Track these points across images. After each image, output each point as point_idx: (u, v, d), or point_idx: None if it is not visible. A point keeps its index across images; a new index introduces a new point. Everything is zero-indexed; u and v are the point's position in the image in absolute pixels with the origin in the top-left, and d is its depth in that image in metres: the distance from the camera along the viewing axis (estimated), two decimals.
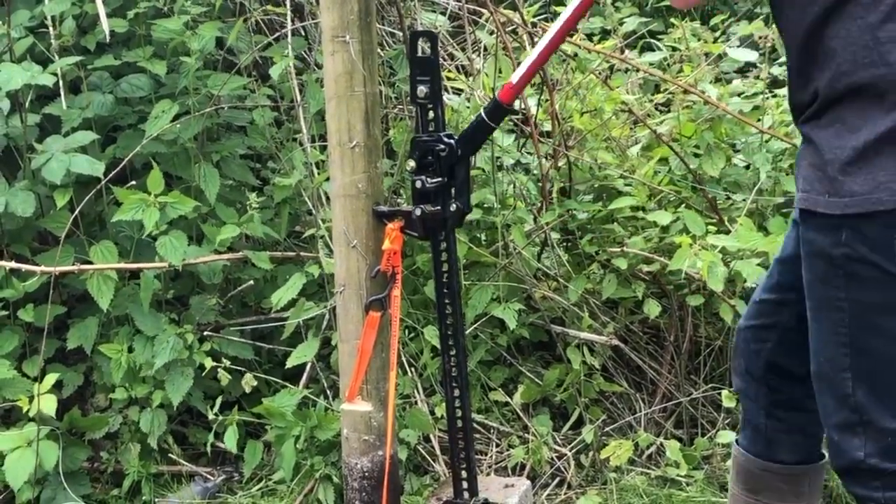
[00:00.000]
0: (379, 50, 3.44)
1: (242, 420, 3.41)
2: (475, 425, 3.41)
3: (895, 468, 1.98)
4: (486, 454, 3.46)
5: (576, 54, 3.75)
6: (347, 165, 2.38)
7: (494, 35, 3.57)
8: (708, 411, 3.61)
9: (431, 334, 3.29)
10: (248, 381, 3.37)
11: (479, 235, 3.66)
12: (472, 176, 3.47)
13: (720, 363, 3.72)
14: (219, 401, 3.37)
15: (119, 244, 3.47)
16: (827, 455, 2.10)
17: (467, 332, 3.42)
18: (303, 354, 3.36)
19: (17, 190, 3.43)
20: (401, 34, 3.73)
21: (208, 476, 3.51)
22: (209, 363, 3.37)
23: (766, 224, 3.48)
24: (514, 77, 2.34)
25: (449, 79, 3.76)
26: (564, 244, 3.81)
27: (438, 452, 3.39)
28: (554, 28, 2.28)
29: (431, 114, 2.39)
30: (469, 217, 3.44)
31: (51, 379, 3.24)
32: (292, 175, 3.46)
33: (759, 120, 3.66)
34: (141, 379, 3.44)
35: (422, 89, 2.38)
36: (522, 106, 3.67)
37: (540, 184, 3.72)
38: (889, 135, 1.87)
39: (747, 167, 3.76)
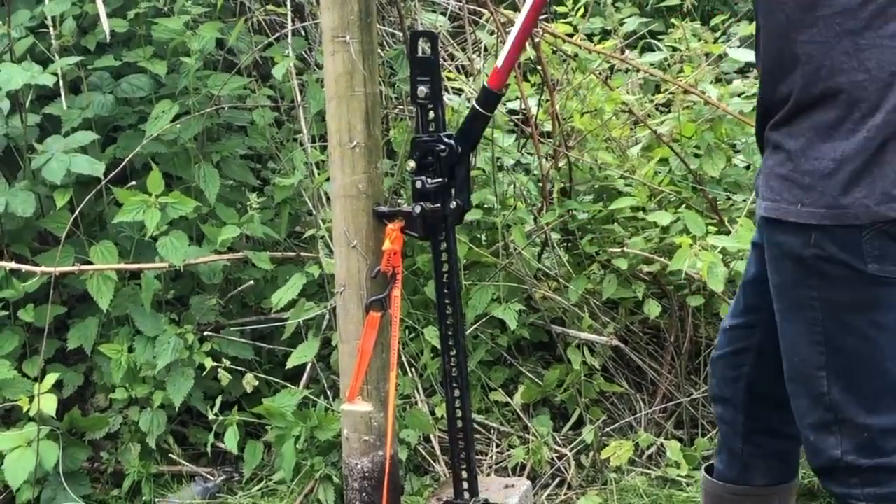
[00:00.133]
0: (379, 50, 3.44)
1: (243, 420, 3.41)
2: (475, 426, 3.41)
3: (872, 464, 1.99)
4: (486, 454, 3.46)
5: (576, 55, 3.75)
6: (348, 166, 2.38)
7: (495, 35, 3.57)
8: (708, 411, 3.61)
9: (432, 335, 3.29)
10: (249, 382, 3.37)
11: (479, 236, 3.66)
12: (472, 176, 3.47)
13: None
14: (219, 401, 3.37)
15: (119, 244, 3.47)
16: (806, 461, 2.11)
17: (467, 332, 3.41)
18: (303, 355, 3.36)
19: (18, 190, 3.43)
20: (401, 34, 3.73)
21: (208, 476, 3.51)
22: (209, 363, 3.37)
23: None
24: (499, 61, 2.34)
25: (449, 79, 3.76)
26: (565, 244, 3.81)
27: (439, 453, 3.39)
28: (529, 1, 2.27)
29: (432, 114, 2.39)
30: (469, 217, 3.46)
31: (51, 379, 3.24)
32: (293, 175, 3.45)
33: None
34: (141, 379, 3.43)
35: (422, 89, 2.38)
36: (523, 106, 3.67)
37: (540, 184, 3.72)
38: (866, 146, 1.88)
39: (748, 167, 3.76)
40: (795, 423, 2.16)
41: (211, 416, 3.36)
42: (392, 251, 2.40)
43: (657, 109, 4.06)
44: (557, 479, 3.41)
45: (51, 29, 3.51)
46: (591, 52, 3.77)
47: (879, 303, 1.94)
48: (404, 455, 3.26)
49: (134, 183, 3.45)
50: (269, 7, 3.70)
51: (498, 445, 3.49)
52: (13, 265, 3.36)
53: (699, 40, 3.99)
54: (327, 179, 2.76)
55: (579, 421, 3.58)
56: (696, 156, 3.67)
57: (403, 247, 2.45)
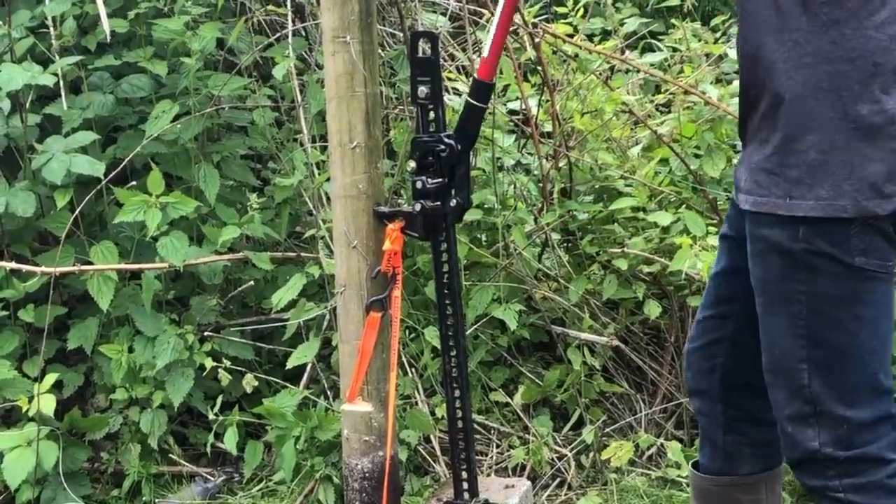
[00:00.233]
0: (380, 50, 3.44)
1: (243, 420, 3.41)
2: (475, 426, 3.41)
3: (849, 455, 2.01)
4: (486, 455, 3.46)
5: (576, 55, 3.75)
6: (348, 166, 2.38)
7: None
8: None
9: (432, 335, 3.29)
10: (249, 382, 3.37)
11: (479, 236, 3.66)
12: (473, 177, 3.47)
13: None
14: (219, 401, 3.37)
15: (119, 244, 3.47)
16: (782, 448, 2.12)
17: (468, 332, 3.41)
18: (303, 355, 3.36)
19: (18, 190, 3.43)
20: (401, 35, 3.73)
21: (209, 476, 3.51)
22: (209, 363, 3.37)
23: None
24: (485, 51, 2.34)
25: (449, 79, 3.76)
26: (565, 245, 3.81)
27: (439, 453, 3.39)
28: None
29: (432, 114, 2.39)
30: (470, 218, 3.46)
31: (51, 379, 3.24)
32: (293, 175, 3.45)
33: None
34: (141, 379, 3.43)
35: (422, 90, 2.38)
36: (523, 107, 3.67)
37: (541, 184, 3.72)
38: (853, 138, 1.89)
39: None
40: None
41: (211, 417, 3.36)
42: (392, 251, 2.40)
43: (657, 110, 4.06)
44: (558, 480, 3.41)
45: (51, 29, 3.51)
46: (591, 52, 3.77)
47: (862, 296, 1.97)
48: (404, 455, 3.26)
49: (134, 183, 3.45)
50: (270, 7, 3.70)
51: (498, 446, 3.49)
52: (13, 265, 3.36)
53: (699, 41, 3.99)
54: (328, 180, 2.76)
55: (579, 421, 3.58)
56: (697, 156, 3.67)
57: (404, 247, 2.45)
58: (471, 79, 3.73)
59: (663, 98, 4.01)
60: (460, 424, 2.55)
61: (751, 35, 2.00)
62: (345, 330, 2.47)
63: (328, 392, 3.43)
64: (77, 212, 3.32)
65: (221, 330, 3.62)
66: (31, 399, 3.21)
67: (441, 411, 3.29)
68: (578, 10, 4.02)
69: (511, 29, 3.71)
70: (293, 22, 3.60)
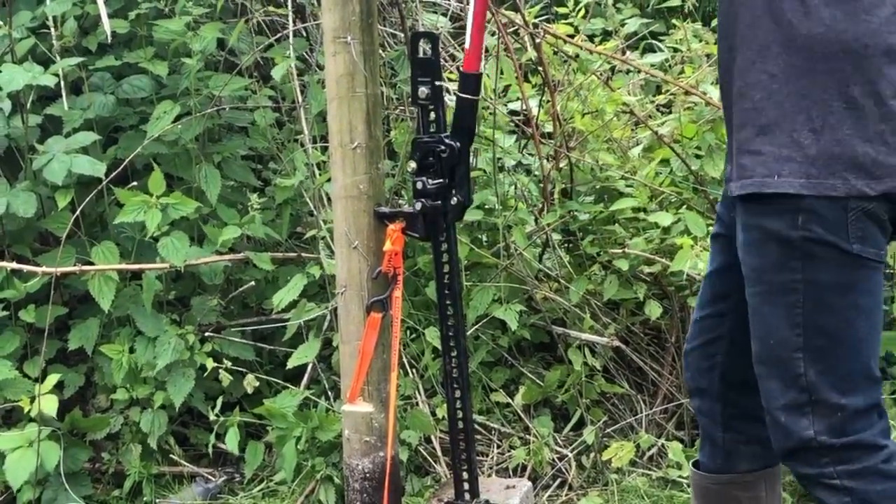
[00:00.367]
0: (380, 51, 3.44)
1: (243, 421, 3.41)
2: (476, 426, 3.41)
3: (844, 442, 2.01)
4: (487, 455, 3.46)
5: (577, 55, 3.75)
6: (349, 166, 2.38)
7: (496, 36, 3.57)
8: None
9: (433, 335, 3.29)
10: (250, 382, 3.37)
11: (480, 236, 3.66)
12: (473, 178, 3.47)
13: None
14: (220, 402, 3.37)
15: (120, 245, 3.47)
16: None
17: (468, 333, 3.41)
18: (304, 355, 3.36)
19: (19, 191, 3.43)
20: (402, 35, 3.73)
21: (209, 477, 3.51)
22: (210, 364, 3.37)
23: None
24: (466, 43, 2.34)
25: (450, 80, 3.76)
26: (566, 245, 3.81)
27: (440, 453, 3.39)
28: None
29: (433, 115, 2.39)
30: (470, 218, 3.46)
31: (52, 379, 3.24)
32: (294, 176, 3.45)
33: None
34: (142, 380, 3.44)
35: (423, 90, 2.38)
36: (524, 107, 3.67)
37: (541, 185, 3.72)
38: (843, 119, 1.91)
39: None
40: None
41: (212, 417, 3.36)
42: (393, 252, 2.40)
43: (658, 110, 4.06)
44: (558, 480, 3.41)
45: (52, 30, 3.51)
46: (592, 52, 3.77)
47: (860, 285, 1.98)
48: (405, 456, 3.26)
49: (135, 184, 3.45)
50: (270, 8, 3.70)
51: (499, 446, 3.49)
52: (14, 265, 3.36)
53: (700, 41, 3.99)
54: (328, 180, 2.77)
55: (580, 422, 3.58)
56: (698, 157, 3.67)
57: (404, 248, 2.45)
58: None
59: (664, 98, 4.01)
60: (461, 425, 2.55)
61: (745, 16, 2.00)
62: (345, 330, 2.47)
63: (329, 392, 3.43)
64: (78, 212, 3.32)
65: (222, 330, 3.62)
66: (32, 399, 3.21)
67: (442, 412, 3.29)
68: (579, 10, 4.03)
69: (512, 29, 3.72)
70: (294, 22, 3.60)
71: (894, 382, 3.55)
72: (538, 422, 3.52)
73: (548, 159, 3.71)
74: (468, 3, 2.34)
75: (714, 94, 3.69)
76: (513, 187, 3.71)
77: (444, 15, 3.96)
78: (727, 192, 2.17)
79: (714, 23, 4.30)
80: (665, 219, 3.46)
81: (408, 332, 3.40)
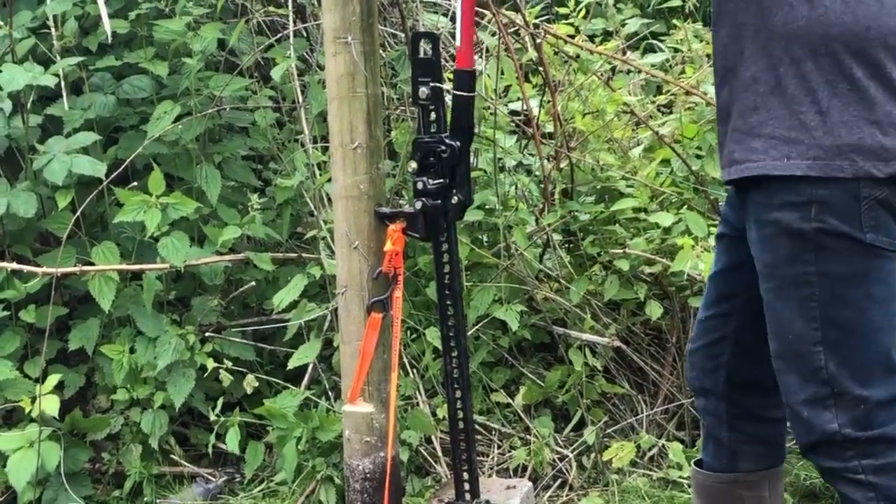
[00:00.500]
0: (381, 51, 3.44)
1: (244, 421, 3.41)
2: (477, 427, 3.41)
3: (868, 436, 2.01)
4: (487, 455, 3.46)
5: (578, 56, 3.75)
6: (349, 166, 2.38)
7: (497, 36, 3.57)
8: None
9: (433, 335, 3.29)
10: (250, 383, 3.37)
11: (480, 237, 3.66)
12: (474, 178, 3.47)
13: None
14: (220, 402, 3.37)
15: (121, 245, 3.47)
16: (795, 436, 2.12)
17: (469, 333, 3.41)
18: (304, 356, 3.36)
19: (19, 191, 3.43)
20: (403, 35, 3.73)
21: (210, 477, 3.51)
22: (211, 364, 3.37)
23: None
24: (457, 40, 2.35)
25: (451, 80, 3.75)
26: (566, 245, 3.81)
27: (440, 454, 3.39)
28: None
29: (433, 115, 2.39)
30: (471, 218, 3.46)
31: (53, 380, 3.24)
32: (294, 176, 3.45)
33: None
34: (142, 380, 3.44)
35: (423, 90, 2.38)
36: (524, 107, 3.67)
37: (542, 185, 3.72)
38: (849, 99, 1.91)
39: None
40: (777, 406, 2.19)
41: (212, 417, 3.36)
42: (393, 252, 2.40)
43: (659, 110, 4.06)
44: (559, 481, 3.41)
45: (52, 30, 3.51)
46: (592, 53, 3.77)
47: (873, 274, 1.98)
48: (406, 456, 3.26)
49: (136, 184, 3.45)
50: (271, 8, 3.70)
51: (499, 446, 3.49)
52: (15, 266, 3.36)
53: (701, 41, 3.99)
54: (329, 180, 2.76)
55: (581, 422, 3.57)
56: (698, 157, 3.67)
57: (405, 248, 2.45)
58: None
59: (665, 99, 4.01)
60: (461, 425, 2.55)
61: (737, 3, 2.00)
62: (346, 331, 2.47)
63: (329, 393, 3.43)
64: (78, 212, 3.32)
65: (223, 330, 3.62)
66: (33, 400, 3.21)
67: (442, 412, 3.29)
68: (580, 10, 4.03)
69: (512, 30, 3.72)
70: (294, 23, 3.60)
71: None
72: (539, 422, 3.52)
73: (548, 159, 3.71)
74: (456, 1, 2.34)
75: (713, 94, 3.69)
76: (513, 187, 3.71)
77: (445, 15, 3.96)
78: (729, 192, 2.16)
79: None
80: (666, 219, 3.46)
81: (408, 333, 3.40)
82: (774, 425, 2.34)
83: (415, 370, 3.43)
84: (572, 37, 3.83)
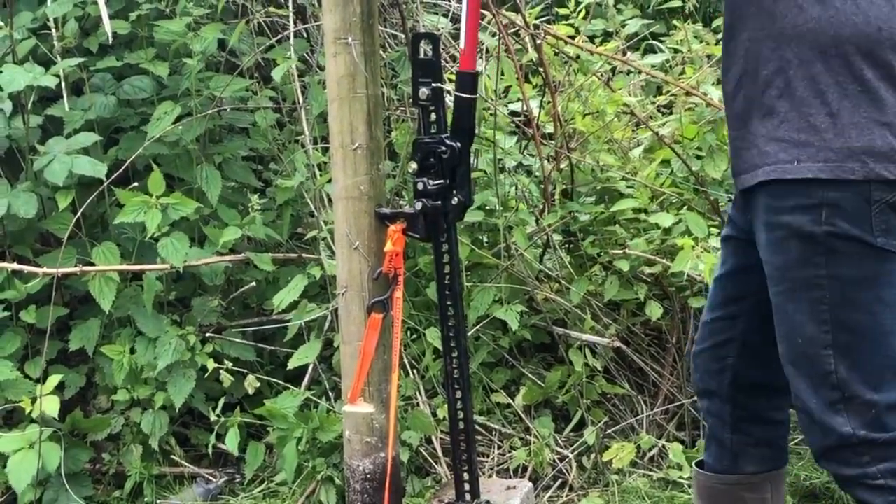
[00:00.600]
0: (381, 52, 3.44)
1: (244, 422, 3.41)
2: (477, 427, 3.41)
3: (884, 438, 2.00)
4: (487, 456, 3.46)
5: (578, 56, 3.75)
6: (349, 167, 2.38)
7: (497, 37, 3.57)
8: None
9: (433, 336, 3.29)
10: (251, 383, 3.37)
11: (481, 237, 3.66)
12: (474, 178, 3.47)
13: None
14: (221, 402, 3.38)
15: (121, 246, 3.47)
16: (807, 444, 2.10)
17: (469, 333, 3.41)
18: (304, 356, 3.36)
19: (20, 191, 3.44)
20: (403, 36, 3.73)
21: (210, 477, 3.51)
22: (211, 365, 3.37)
23: None
24: (461, 43, 2.34)
25: (451, 81, 3.75)
26: (566, 246, 3.81)
27: (440, 454, 3.39)
28: None
29: (433, 116, 2.39)
30: (471, 219, 3.46)
31: (53, 380, 3.24)
32: (294, 177, 3.46)
33: None
34: (143, 380, 3.44)
35: (424, 91, 2.38)
36: (524, 108, 3.67)
37: (542, 186, 3.72)
38: (860, 101, 1.90)
39: None
40: (781, 409, 2.19)
41: (213, 418, 3.36)
42: (394, 252, 2.40)
43: (659, 111, 4.06)
44: (559, 481, 3.41)
45: (53, 30, 3.51)
46: (592, 53, 3.77)
47: (884, 278, 1.97)
48: (406, 456, 3.26)
49: (136, 184, 3.45)
50: (271, 9, 3.70)
51: (499, 447, 3.49)
52: (15, 266, 3.36)
53: (701, 42, 3.99)
54: (329, 181, 2.76)
55: (581, 422, 3.57)
56: (698, 157, 3.67)
57: (405, 248, 2.45)
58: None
59: (665, 99, 4.01)
60: (462, 425, 2.55)
61: (747, 2, 2.00)
62: (346, 331, 2.47)
63: (330, 393, 3.43)
64: (79, 213, 3.32)
65: (223, 331, 3.62)
66: (33, 400, 3.21)
67: (442, 412, 3.29)
68: (580, 11, 4.03)
69: (513, 30, 3.72)
70: (295, 23, 3.61)
71: None
72: (539, 422, 3.52)
73: (548, 160, 3.71)
74: (462, 3, 2.34)
75: (715, 94, 3.69)
76: (513, 188, 3.71)
77: (445, 16, 3.97)
78: (737, 190, 2.14)
79: (715, 23, 4.30)
80: (666, 219, 3.46)
81: (409, 333, 3.40)
82: (778, 427, 2.34)
83: (415, 371, 3.43)
84: (572, 37, 3.83)
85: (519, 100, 3.76)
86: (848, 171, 1.91)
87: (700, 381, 2.37)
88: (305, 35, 3.74)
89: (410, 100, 3.27)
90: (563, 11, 4.10)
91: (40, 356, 3.33)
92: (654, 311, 3.51)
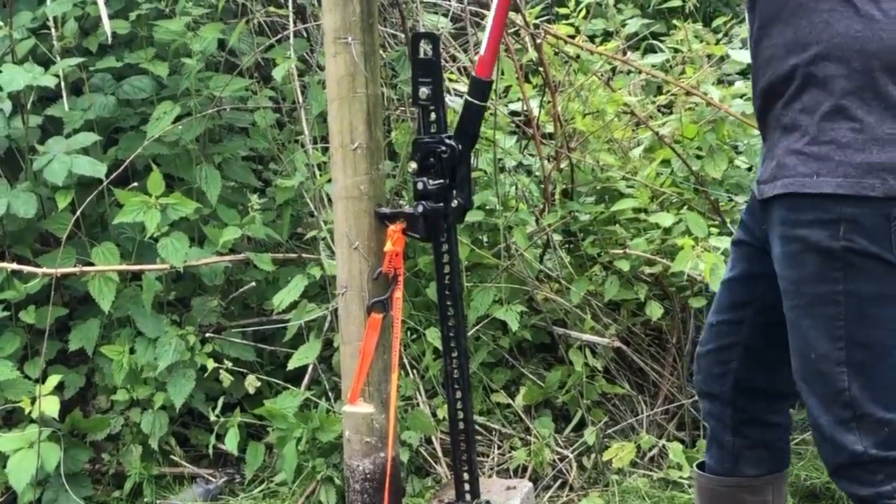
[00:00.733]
0: (381, 51, 3.44)
1: (244, 422, 3.41)
2: (477, 427, 3.41)
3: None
4: (487, 456, 3.45)
5: (578, 56, 3.75)
6: (349, 167, 2.38)
7: None
8: None
9: (433, 336, 3.29)
10: (251, 383, 3.37)
11: (481, 237, 3.66)
12: (474, 178, 3.47)
13: None
14: (220, 402, 3.37)
15: (121, 246, 3.47)
16: (822, 456, 2.09)
17: (469, 333, 3.41)
18: (304, 356, 3.36)
19: (19, 191, 3.44)
20: (403, 36, 3.73)
21: (210, 478, 3.51)
22: (211, 365, 3.37)
23: None
24: (482, 49, 2.33)
25: (451, 80, 3.76)
26: (566, 246, 3.81)
27: (440, 454, 3.39)
28: None
29: (433, 115, 2.39)
30: (471, 219, 3.46)
31: (53, 380, 3.24)
32: (294, 177, 3.46)
33: None
34: (142, 380, 3.44)
35: (424, 91, 2.38)
36: (524, 108, 3.67)
37: (542, 185, 3.72)
38: (882, 117, 1.88)
39: (749, 169, 3.76)
40: (782, 412, 2.19)
41: (212, 418, 3.36)
42: (394, 252, 2.40)
43: (659, 111, 4.06)
44: (559, 481, 3.41)
45: (52, 30, 3.51)
46: (592, 53, 3.77)
47: None
48: (406, 457, 3.26)
49: (136, 184, 3.45)
50: (271, 9, 3.70)
51: (499, 447, 3.49)
52: (15, 266, 3.36)
53: (701, 42, 3.99)
54: (329, 181, 2.76)
55: (581, 422, 3.57)
56: (698, 157, 3.67)
57: (405, 248, 2.44)
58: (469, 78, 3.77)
59: (665, 99, 4.01)
60: (462, 426, 2.55)
61: (773, 18, 1.98)
62: (346, 331, 2.47)
63: (329, 393, 3.43)
64: (78, 213, 3.32)
65: (223, 331, 3.62)
66: (33, 401, 3.21)
67: (442, 412, 3.29)
68: (580, 11, 4.02)
69: (513, 30, 3.72)
70: (294, 23, 3.60)
71: None
72: (539, 422, 3.52)
73: (549, 160, 3.71)
74: (467, 5, 2.33)
75: (714, 94, 3.69)
76: (513, 188, 3.71)
77: (445, 16, 3.96)
78: (754, 198, 2.13)
79: (715, 23, 4.30)
80: (666, 219, 3.46)
81: (408, 333, 3.40)
82: (776, 430, 2.33)
83: (415, 371, 3.43)
84: (572, 37, 3.83)
85: (519, 99, 3.76)
86: (868, 187, 1.89)
87: (702, 383, 2.37)
88: (305, 35, 3.74)
89: (410, 100, 3.27)
90: (563, 11, 4.10)
91: (40, 356, 3.33)
92: (655, 311, 3.51)
